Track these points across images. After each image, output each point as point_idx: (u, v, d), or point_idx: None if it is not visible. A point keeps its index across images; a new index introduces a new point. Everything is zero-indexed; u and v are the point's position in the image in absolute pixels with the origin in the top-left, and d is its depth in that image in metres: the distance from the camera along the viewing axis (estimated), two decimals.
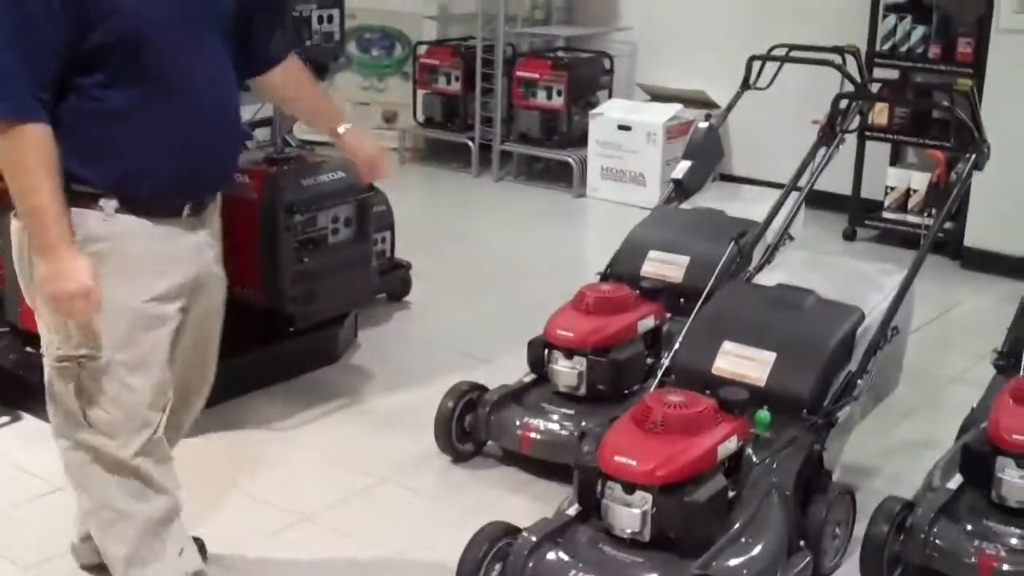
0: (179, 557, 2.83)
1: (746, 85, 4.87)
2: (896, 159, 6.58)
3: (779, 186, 4.18)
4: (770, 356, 3.31)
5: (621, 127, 7.20)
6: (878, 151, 6.50)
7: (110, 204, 2.61)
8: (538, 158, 7.81)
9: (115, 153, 2.59)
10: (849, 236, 6.55)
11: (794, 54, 4.74)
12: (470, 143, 7.73)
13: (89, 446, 2.71)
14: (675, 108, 7.19)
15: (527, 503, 3.61)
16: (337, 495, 3.70)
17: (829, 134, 4.12)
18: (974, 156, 3.65)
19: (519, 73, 7.51)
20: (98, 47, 2.50)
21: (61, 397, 2.70)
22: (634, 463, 2.93)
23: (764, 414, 3.20)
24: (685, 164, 4.70)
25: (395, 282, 5.32)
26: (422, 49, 7.97)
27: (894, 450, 4.03)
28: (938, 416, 4.27)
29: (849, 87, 4.54)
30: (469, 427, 3.90)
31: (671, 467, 2.92)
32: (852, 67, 4.71)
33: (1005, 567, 3.05)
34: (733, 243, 3.90)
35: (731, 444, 3.06)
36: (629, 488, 2.94)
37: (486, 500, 3.67)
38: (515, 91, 7.53)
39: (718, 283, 3.71)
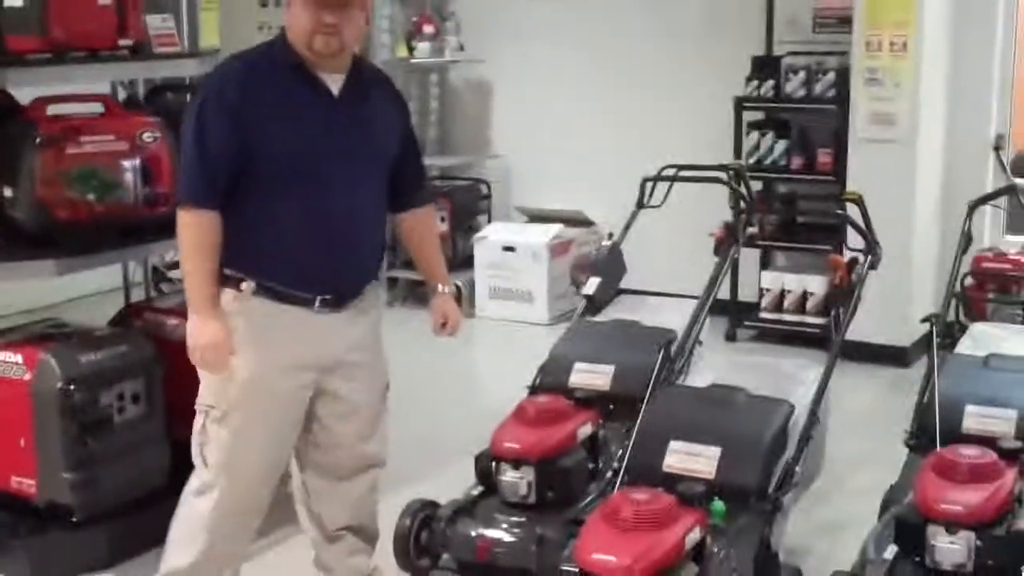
0: None
1: (640, 204, 5.22)
2: (767, 263, 7.06)
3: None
4: (715, 451, 3.59)
5: (506, 248, 7.54)
6: (749, 257, 6.95)
7: (249, 286, 3.26)
8: (422, 283, 8.03)
9: (257, 249, 3.26)
10: (731, 337, 6.95)
11: (684, 173, 5.10)
12: None
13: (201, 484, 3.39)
14: (556, 228, 7.56)
15: None
16: None
17: (727, 244, 4.49)
18: (870, 257, 4.05)
19: None
20: (257, 160, 3.20)
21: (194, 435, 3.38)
22: (613, 559, 3.14)
23: (719, 504, 3.46)
24: (595, 281, 5.01)
25: None
26: None
27: (818, 530, 4.34)
28: (850, 497, 4.61)
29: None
30: (425, 542, 4.06)
31: (646, 561, 3.14)
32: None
33: None
34: (663, 350, 4.20)
35: (695, 534, 3.31)
36: None
37: None
38: None
39: (654, 388, 3.99)
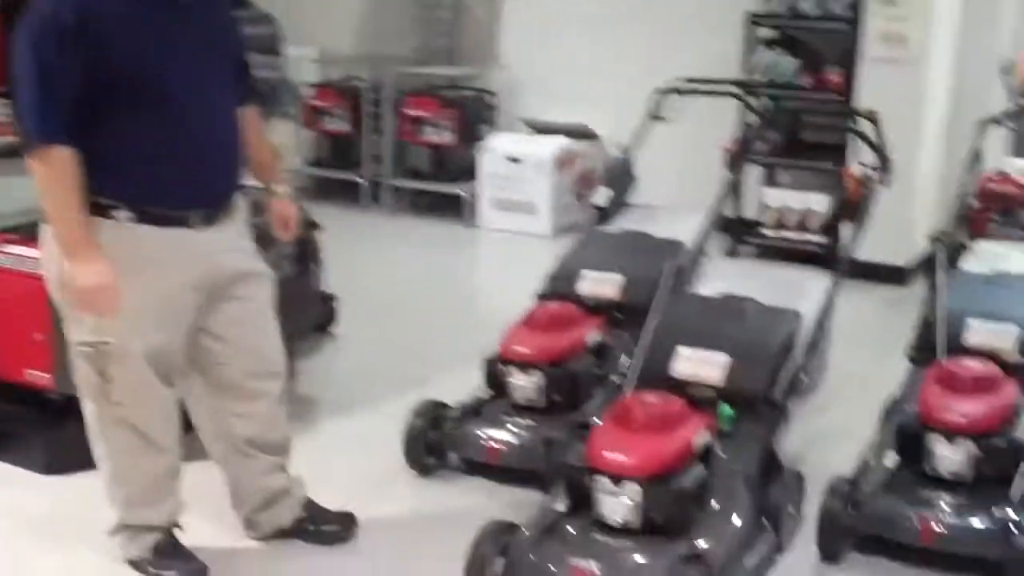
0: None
1: (654, 116, 5.24)
2: (770, 181, 7.10)
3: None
4: (724, 358, 3.66)
5: (511, 159, 7.55)
6: (752, 175, 6.98)
7: (123, 214, 3.09)
8: (425, 192, 8.10)
9: (126, 172, 3.09)
10: (732, 253, 6.99)
11: (700, 87, 5.12)
12: (360, 181, 7.98)
13: (104, 409, 3.26)
14: (561, 140, 7.58)
15: (499, 508, 3.86)
16: None
17: (739, 158, 4.54)
18: (882, 175, 4.09)
19: (408, 111, 7.81)
20: (106, 82, 2.98)
21: (81, 376, 3.25)
22: (623, 458, 3.24)
23: (727, 409, 3.55)
24: (604, 191, 5.06)
25: (324, 314, 5.53)
26: (307, 91, 8.18)
27: (818, 439, 4.43)
28: (848, 408, 4.71)
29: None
30: (435, 442, 4.15)
31: (657, 459, 3.24)
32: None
33: (942, 530, 3.46)
34: (673, 260, 4.26)
35: (703, 437, 3.39)
36: (618, 480, 3.24)
37: (462, 507, 3.93)
38: (404, 129, 7.84)
39: (663, 296, 4.05)
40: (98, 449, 3.36)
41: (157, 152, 3.09)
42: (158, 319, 3.18)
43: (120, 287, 3.05)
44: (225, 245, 3.26)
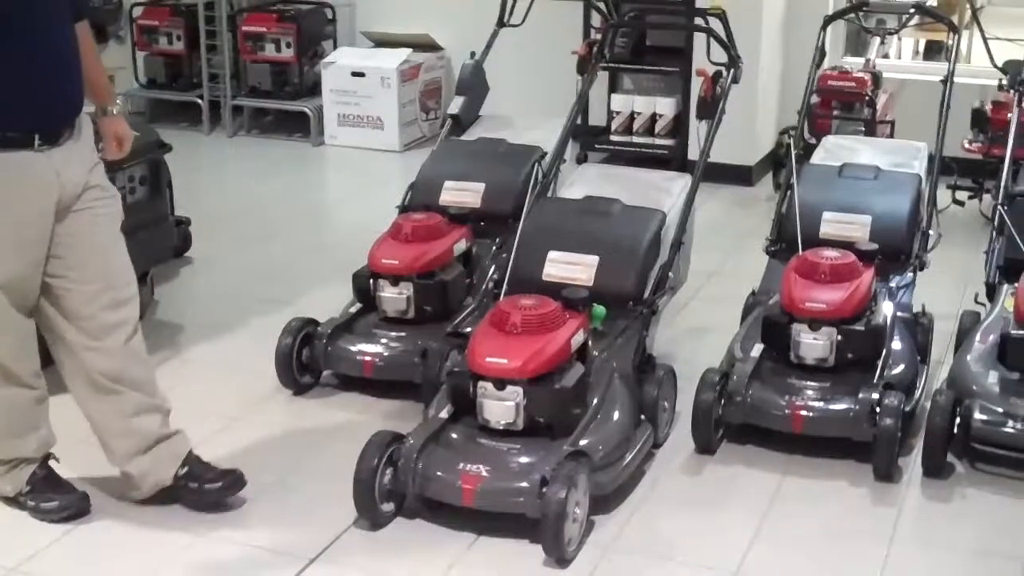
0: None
1: (501, 23, 5.24)
2: (615, 87, 7.16)
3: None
4: (593, 259, 3.72)
5: (355, 74, 7.44)
6: (598, 82, 7.01)
7: None
8: (267, 111, 7.94)
9: None
10: (581, 160, 7.05)
11: None
12: (199, 101, 7.77)
13: None
14: (405, 52, 7.49)
15: (378, 420, 3.88)
16: (192, 439, 3.80)
17: (592, 61, 4.58)
18: (733, 71, 4.18)
19: (246, 28, 7.61)
20: None
21: None
22: (505, 361, 3.28)
23: (600, 309, 3.60)
24: (459, 100, 5.04)
25: (178, 238, 5.40)
26: (138, 11, 7.89)
27: (683, 336, 4.56)
28: (708, 305, 4.85)
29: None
30: (307, 360, 4.13)
31: (538, 361, 3.29)
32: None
33: (811, 415, 3.61)
34: (536, 165, 4.29)
35: (580, 337, 3.45)
36: (501, 384, 3.28)
37: (340, 422, 3.94)
38: (243, 46, 7.63)
39: (529, 202, 4.08)
40: None
41: None
42: (13, 248, 3.08)
43: None
44: (72, 163, 3.14)
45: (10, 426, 3.30)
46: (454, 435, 3.37)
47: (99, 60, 3.45)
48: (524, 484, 3.16)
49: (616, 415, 3.48)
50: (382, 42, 7.83)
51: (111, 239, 3.31)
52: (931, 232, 4.20)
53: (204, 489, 3.38)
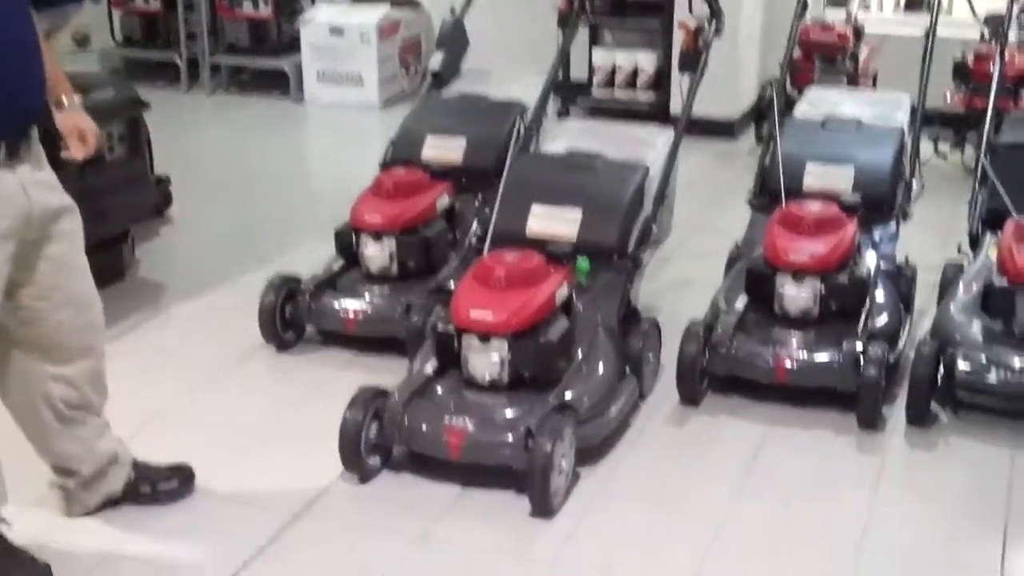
0: None
1: None
2: (596, 41, 7.13)
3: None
4: (576, 213, 3.71)
5: (333, 30, 7.39)
6: (579, 36, 6.98)
7: None
8: (247, 69, 7.88)
9: None
10: (563, 114, 7.03)
11: None
12: (177, 59, 7.70)
13: None
14: (384, 8, 7.44)
15: (361, 375, 3.85)
16: (177, 396, 3.83)
17: (574, 14, 4.55)
18: (715, 24, 4.15)
19: None
20: None
21: None
22: (489, 315, 3.27)
23: (584, 262, 3.60)
24: (439, 55, 5.01)
25: (158, 196, 5.37)
26: None
27: (667, 288, 4.55)
28: (691, 259, 4.85)
29: None
30: (290, 316, 4.11)
31: (523, 315, 3.28)
32: None
33: (795, 366, 3.62)
34: (518, 120, 4.26)
35: (564, 290, 3.45)
36: (486, 338, 3.28)
37: (324, 378, 3.92)
38: (220, 3, 7.57)
39: (512, 156, 4.06)
40: None
41: None
42: None
43: None
44: (32, 180, 2.77)
45: None
46: (439, 389, 3.36)
47: (49, 48, 3.00)
48: (510, 437, 3.17)
49: (601, 368, 3.49)
50: None
51: (81, 264, 2.97)
52: (914, 183, 4.21)
53: (159, 491, 3.22)
